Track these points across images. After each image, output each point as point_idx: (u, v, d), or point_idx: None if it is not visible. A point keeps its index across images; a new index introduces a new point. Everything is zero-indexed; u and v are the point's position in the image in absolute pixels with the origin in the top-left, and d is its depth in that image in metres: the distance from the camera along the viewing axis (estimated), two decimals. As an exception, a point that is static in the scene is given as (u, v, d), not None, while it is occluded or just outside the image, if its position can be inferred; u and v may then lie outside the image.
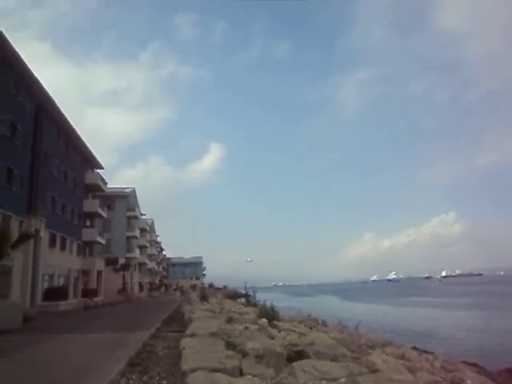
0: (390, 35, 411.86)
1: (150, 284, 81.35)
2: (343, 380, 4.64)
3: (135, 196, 67.90)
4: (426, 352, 17.39)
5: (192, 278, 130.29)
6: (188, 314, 14.22)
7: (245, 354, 6.66)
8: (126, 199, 61.19)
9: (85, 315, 22.48)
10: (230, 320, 11.60)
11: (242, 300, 31.57)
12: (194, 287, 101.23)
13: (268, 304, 19.87)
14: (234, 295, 70.54)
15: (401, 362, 7.41)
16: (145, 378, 6.23)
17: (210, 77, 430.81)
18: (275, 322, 10.39)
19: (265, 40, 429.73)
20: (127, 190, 62.76)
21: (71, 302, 29.73)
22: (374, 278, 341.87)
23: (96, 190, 45.56)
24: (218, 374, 4.69)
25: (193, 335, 8.66)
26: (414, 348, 18.36)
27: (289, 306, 47.05)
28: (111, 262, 49.89)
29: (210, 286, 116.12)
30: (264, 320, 10.57)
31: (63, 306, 26.77)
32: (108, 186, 49.49)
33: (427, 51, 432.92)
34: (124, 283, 50.22)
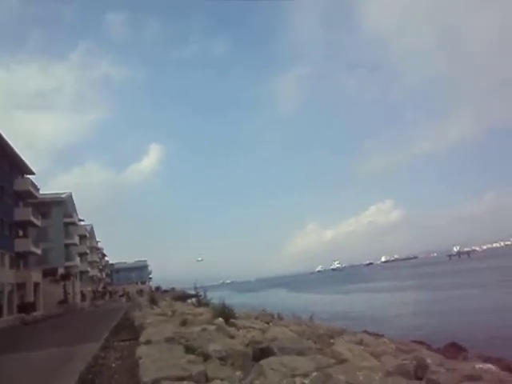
0: (321, 34, 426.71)
1: (94, 292, 77.74)
2: (315, 374, 4.51)
3: (72, 201, 64.30)
4: (377, 335, 18.06)
5: (138, 283, 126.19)
6: (139, 320, 13.56)
7: (207, 357, 6.35)
8: (63, 205, 57.78)
9: (24, 332, 20.81)
10: (184, 322, 11.18)
11: (193, 300, 30.95)
12: (140, 292, 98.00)
13: (220, 302, 19.63)
14: (183, 296, 69.44)
15: (362, 347, 7.47)
16: (100, 394, 5.74)
17: (145, 76, 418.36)
18: (232, 321, 10.15)
19: (201, 38, 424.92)
20: (63, 196, 59.26)
21: (6, 319, 27.49)
22: (319, 268, 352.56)
23: (27, 196, 42.44)
24: (184, 383, 4.36)
25: (148, 342, 8.18)
26: (365, 332, 18.99)
27: (238, 302, 47.08)
28: (50, 273, 46.92)
29: (157, 289, 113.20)
30: (220, 319, 10.27)
31: (-2, 323, 24.73)
32: (42, 192, 46.37)
33: (356, 50, 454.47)
34: (65, 294, 47.43)
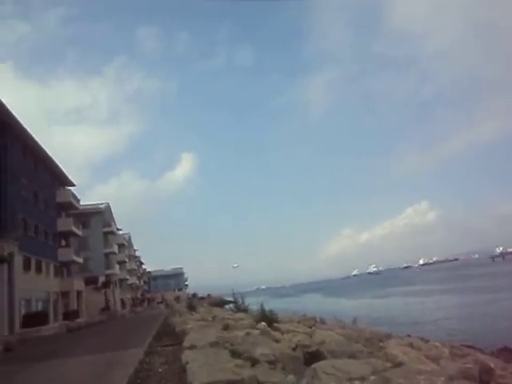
0: (349, 35, 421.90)
1: (133, 299, 79.41)
2: (373, 378, 4.29)
3: (110, 211, 66.16)
4: (423, 339, 17.40)
5: (174, 290, 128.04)
6: (180, 326, 13.63)
7: (255, 361, 6.23)
8: (101, 215, 59.49)
9: (69, 338, 21.41)
10: (226, 327, 11.13)
11: (231, 306, 30.95)
12: (177, 299, 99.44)
13: (259, 306, 19.51)
14: (220, 303, 69.78)
15: (415, 351, 7.14)
16: (150, 399, 5.71)
17: (176, 88, 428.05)
18: (276, 325, 9.98)
19: (228, 47, 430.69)
20: (101, 206, 61.03)
21: (52, 326, 28.39)
22: (355, 272, 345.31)
23: (69, 207, 43.98)
24: (237, 387, 4.25)
25: (192, 347, 8.16)
26: (408, 336, 18.35)
27: (274, 307, 46.77)
28: (91, 281, 48.30)
29: (194, 295, 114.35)
30: (263, 324, 10.15)
31: (45, 330, 25.48)
32: (81, 203, 47.94)
33: (385, 50, 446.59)
34: (106, 301, 48.66)
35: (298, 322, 12.21)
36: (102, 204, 62.36)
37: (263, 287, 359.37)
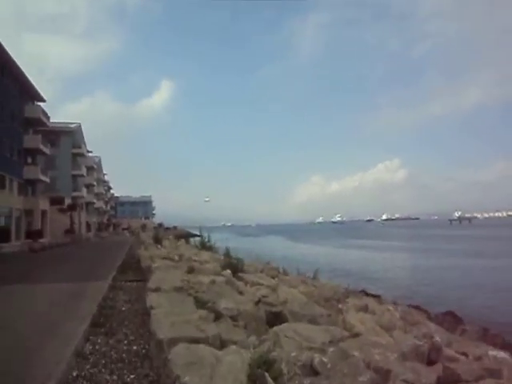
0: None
1: (99, 224, 79.53)
2: (332, 350, 4.48)
3: (81, 132, 63.98)
4: (375, 296, 18.42)
5: (141, 218, 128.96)
6: (146, 262, 13.79)
7: (218, 315, 6.39)
8: (72, 135, 57.55)
9: (32, 259, 21.38)
10: (191, 270, 11.31)
11: (196, 242, 31.45)
12: (143, 227, 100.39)
13: (224, 248, 19.91)
14: (186, 235, 71.01)
15: (370, 317, 7.50)
16: (112, 341, 5.81)
17: (161, 8, 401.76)
18: (240, 275, 10.22)
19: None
20: (72, 126, 58.87)
21: (15, 244, 28.24)
22: (320, 219, 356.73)
23: (37, 124, 42.12)
24: (202, 347, 4.34)
25: (157, 290, 8.27)
26: (363, 292, 19.37)
27: (238, 246, 48.10)
28: (56, 202, 47.64)
29: (160, 225, 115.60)
30: (228, 271, 10.38)
31: (6, 248, 25.34)
32: (51, 121, 45.94)
33: (381, 2, 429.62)
34: (72, 223, 48.48)
35: (261, 272, 12.56)
36: (73, 124, 60.13)
37: (229, 224, 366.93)
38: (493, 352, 5.35)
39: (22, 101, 38.82)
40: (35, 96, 42.04)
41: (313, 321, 6.05)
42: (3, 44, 31.43)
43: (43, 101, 43.85)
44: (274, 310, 6.30)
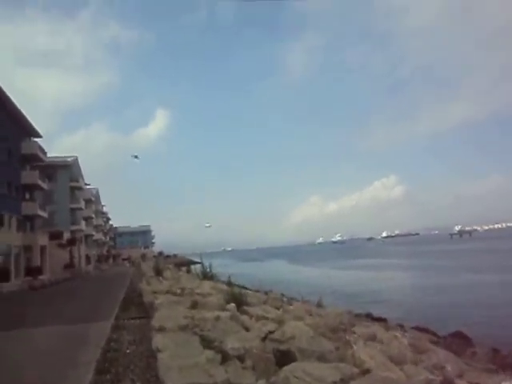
0: (334, 3, 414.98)
1: (98, 256, 78.93)
2: (343, 390, 4.42)
3: (78, 165, 64.26)
4: (380, 320, 18.22)
5: (141, 247, 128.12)
6: (148, 297, 13.64)
7: (225, 355, 6.31)
8: (69, 169, 57.75)
9: (32, 299, 21.09)
10: (195, 305, 11.20)
11: (198, 271, 31.16)
12: (143, 256, 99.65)
13: (226, 273, 19.72)
14: (186, 263, 70.49)
15: (378, 348, 7.42)
16: (118, 389, 5.69)
17: (155, 41, 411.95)
18: (245, 308, 10.12)
19: (210, 3, 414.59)
20: (69, 159, 59.14)
21: (14, 283, 27.92)
22: (320, 240, 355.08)
23: (34, 160, 42.30)
24: (211, 395, 4.28)
25: (162, 329, 8.18)
26: (369, 316, 19.17)
27: (239, 272, 47.73)
28: (55, 236, 47.39)
29: (160, 254, 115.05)
30: (233, 305, 10.27)
31: (5, 287, 25.05)
32: (48, 155, 46.20)
33: (368, 23, 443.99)
34: (71, 258, 48.11)
35: (265, 303, 12.45)
36: (69, 157, 60.42)
37: (229, 249, 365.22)
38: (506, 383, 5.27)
39: (18, 137, 39.12)
40: (31, 132, 42.38)
41: (321, 357, 5.97)
42: (0, 84, 31.92)
43: (40, 136, 44.18)
44: (281, 347, 6.21)
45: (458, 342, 12.94)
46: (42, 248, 40.20)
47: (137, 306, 14.01)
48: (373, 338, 8.51)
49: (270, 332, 7.55)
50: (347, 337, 7.91)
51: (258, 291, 20.30)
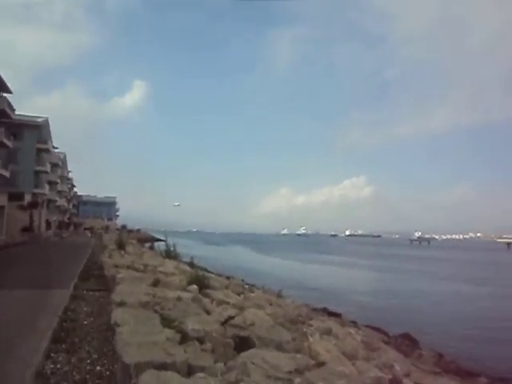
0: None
1: (59, 222, 76.87)
2: (298, 381, 4.56)
3: (48, 127, 61.92)
4: (336, 315, 18.75)
5: (104, 219, 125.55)
6: (110, 271, 13.48)
7: (184, 335, 6.36)
8: (37, 129, 55.58)
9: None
10: (157, 283, 11.17)
11: (161, 249, 30.97)
12: (106, 228, 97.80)
13: (189, 254, 19.70)
14: (150, 239, 69.85)
15: (334, 342, 7.66)
16: (74, 359, 5.64)
17: (141, 9, 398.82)
18: (207, 291, 10.18)
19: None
20: (39, 120, 56.89)
21: (-32, 241, 26.85)
22: (285, 231, 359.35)
23: (2, 116, 40.48)
24: (170, 374, 4.32)
25: (123, 304, 8.13)
26: (325, 310, 19.70)
27: (203, 255, 47.78)
28: (16, 197, 45.66)
29: (123, 227, 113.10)
30: (195, 287, 10.32)
31: (-41, 244, 24.08)
32: (17, 113, 44.30)
33: (358, 22, 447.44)
34: (31, 222, 46.59)
35: (227, 288, 12.56)
36: (40, 118, 58.12)
37: (194, 230, 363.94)
38: (449, 385, 5.60)
39: (-14, 91, 37.30)
40: (1, 87, 40.43)
41: (279, 346, 6.12)
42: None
43: (9, 92, 42.19)
44: (241, 333, 6.33)
45: (407, 344, 13.53)
46: (1, 208, 38.75)
47: (97, 278, 13.82)
48: (328, 332, 8.77)
49: (231, 317, 7.65)
50: (304, 329, 8.12)
51: (220, 275, 20.43)
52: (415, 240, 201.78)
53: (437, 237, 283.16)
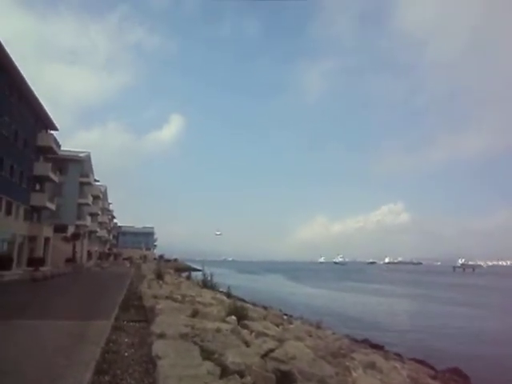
0: (353, 29, 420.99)
1: (100, 253, 79.07)
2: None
3: (90, 161, 64.92)
4: (378, 347, 17.97)
5: (142, 248, 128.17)
6: (149, 301, 13.63)
7: (225, 368, 6.28)
8: (80, 164, 58.34)
9: (33, 290, 21.12)
10: (195, 313, 11.17)
11: (198, 279, 31.13)
12: (144, 258, 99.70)
13: (224, 282, 19.60)
14: (187, 269, 70.37)
15: (378, 377, 7.34)
16: (116, 392, 5.68)
17: (176, 48, 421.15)
18: (245, 322, 10.07)
19: (235, 17, 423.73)
20: (82, 155, 59.80)
21: (16, 272, 28.01)
22: (322, 259, 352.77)
23: (48, 152, 42.91)
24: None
25: (162, 336, 8.17)
26: (367, 342, 18.94)
27: (239, 284, 47.52)
28: (60, 229, 47.66)
29: (161, 257, 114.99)
30: (234, 318, 10.24)
31: (7, 276, 25.13)
32: (62, 149, 46.80)
33: (387, 51, 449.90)
34: (74, 253, 48.25)
35: (265, 319, 12.37)
36: (82, 153, 61.10)
37: (230, 259, 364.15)
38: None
39: (35, 129, 39.71)
40: (49, 125, 43.01)
41: (322, 381, 5.94)
42: (23, 74, 32.52)
43: (56, 129, 44.83)
44: (282, 367, 6.18)
45: (456, 379, 12.72)
46: (46, 240, 40.42)
47: (136, 309, 14.01)
48: (372, 366, 8.42)
49: (271, 350, 7.50)
50: (347, 363, 7.84)
51: (257, 305, 20.21)
52: (458, 267, 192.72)
53: (482, 263, 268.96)
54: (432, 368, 14.78)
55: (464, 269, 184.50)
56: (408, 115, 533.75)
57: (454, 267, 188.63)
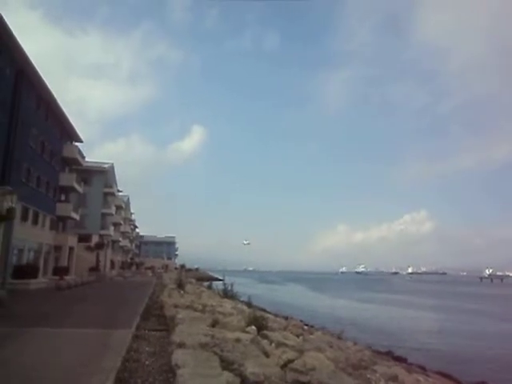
0: (376, 38, 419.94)
1: (122, 263, 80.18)
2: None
3: (113, 172, 66.27)
4: (401, 359, 17.59)
5: (164, 258, 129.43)
6: (170, 311, 13.73)
7: (244, 379, 6.28)
8: (104, 175, 59.63)
9: (58, 299, 21.60)
10: (215, 323, 11.20)
11: (219, 288, 31.20)
12: (165, 267, 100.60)
13: (245, 292, 19.56)
14: (207, 279, 70.64)
15: (400, 391, 7.19)
16: (137, 401, 5.74)
17: (199, 61, 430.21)
18: (265, 332, 10.03)
19: (255, 30, 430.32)
20: (105, 166, 61.11)
21: (42, 281, 28.67)
22: (343, 269, 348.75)
23: (73, 163, 44.08)
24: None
25: (182, 345, 8.21)
26: (389, 354, 18.56)
27: (260, 294, 47.33)
28: (84, 239, 48.68)
29: (182, 266, 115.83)
30: (253, 328, 10.22)
31: (34, 284, 25.75)
32: (86, 160, 47.97)
33: (410, 59, 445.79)
34: (97, 262, 49.11)
35: (285, 329, 12.29)
36: (106, 164, 62.42)
37: (250, 269, 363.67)
38: None
39: (61, 141, 40.84)
40: (74, 137, 44.18)
41: (342, 394, 5.85)
42: (50, 88, 33.62)
43: (81, 141, 45.99)
44: (301, 378, 6.13)
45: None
46: (71, 249, 41.28)
47: (157, 318, 14.14)
48: (394, 379, 8.25)
49: (290, 360, 7.45)
50: (368, 375, 7.71)
51: (277, 315, 20.08)
52: (486, 277, 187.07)
53: (511, 274, 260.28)
54: (458, 382, 14.37)
55: (492, 279, 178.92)
56: (431, 123, 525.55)
57: (481, 277, 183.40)
